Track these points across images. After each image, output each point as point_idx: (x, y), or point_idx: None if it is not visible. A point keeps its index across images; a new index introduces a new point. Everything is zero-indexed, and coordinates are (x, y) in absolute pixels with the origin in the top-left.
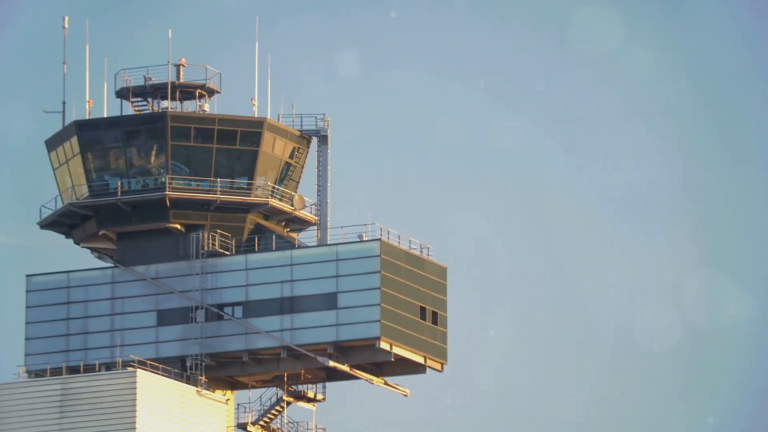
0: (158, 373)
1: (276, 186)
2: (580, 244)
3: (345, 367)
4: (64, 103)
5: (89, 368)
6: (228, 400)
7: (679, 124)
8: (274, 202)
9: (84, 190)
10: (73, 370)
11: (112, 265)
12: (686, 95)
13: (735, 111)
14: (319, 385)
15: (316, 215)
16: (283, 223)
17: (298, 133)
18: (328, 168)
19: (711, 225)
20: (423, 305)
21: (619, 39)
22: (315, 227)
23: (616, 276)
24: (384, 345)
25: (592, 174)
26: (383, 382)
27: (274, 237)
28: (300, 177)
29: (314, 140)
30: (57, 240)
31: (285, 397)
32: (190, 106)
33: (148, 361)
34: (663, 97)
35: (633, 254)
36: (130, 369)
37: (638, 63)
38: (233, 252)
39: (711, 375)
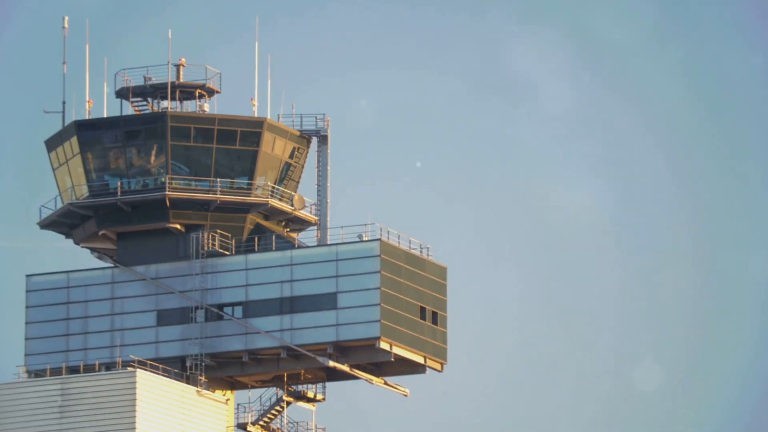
0: (158, 373)
1: (276, 186)
2: (582, 244)
3: (345, 367)
4: (64, 103)
5: (89, 368)
6: (228, 400)
7: (680, 123)
8: (274, 202)
9: (84, 190)
10: (73, 370)
11: (112, 265)
12: (688, 95)
13: (736, 111)
14: (319, 385)
15: (316, 215)
16: (283, 223)
17: (298, 133)
18: (328, 168)
19: (712, 225)
20: (423, 305)
21: (622, 39)
22: (315, 227)
23: (618, 276)
24: (384, 345)
25: (594, 173)
26: (383, 382)
27: (274, 237)
28: (300, 177)
29: (314, 140)
30: (57, 240)
31: (285, 397)
32: (190, 106)
33: (148, 361)
34: (665, 97)
35: (634, 254)
36: (130, 369)
37: (641, 63)
38: (233, 252)
39: (714, 378)
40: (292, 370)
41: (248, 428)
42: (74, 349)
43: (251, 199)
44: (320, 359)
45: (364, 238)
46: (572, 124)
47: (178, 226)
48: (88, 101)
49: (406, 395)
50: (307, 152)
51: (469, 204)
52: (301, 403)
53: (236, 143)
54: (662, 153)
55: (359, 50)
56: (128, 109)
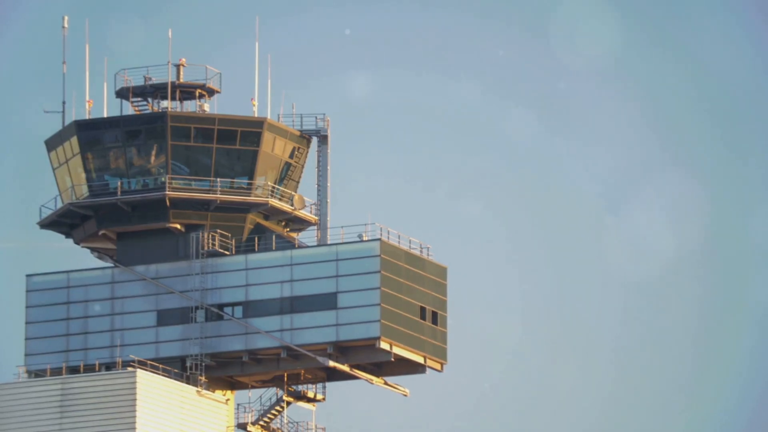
0: (158, 373)
1: (276, 186)
2: (582, 243)
3: (345, 367)
4: (64, 103)
5: (89, 368)
6: (228, 400)
7: (681, 122)
8: (274, 202)
9: (84, 190)
10: (73, 370)
11: (112, 265)
12: (688, 94)
13: (736, 110)
14: (319, 385)
15: (316, 215)
16: (283, 223)
17: (298, 133)
18: (328, 168)
19: (714, 224)
20: (423, 305)
21: (623, 39)
22: (315, 227)
23: (619, 275)
24: (384, 345)
25: (595, 173)
26: (383, 382)
27: (274, 237)
28: (300, 177)
29: (314, 140)
30: (57, 240)
31: (285, 397)
32: (190, 106)
33: (148, 361)
34: (665, 96)
35: (635, 253)
36: (130, 369)
37: (641, 63)
38: (233, 252)
39: (716, 374)
40: (292, 370)
41: (248, 428)
42: (74, 349)
43: (251, 199)
44: (320, 359)
45: (364, 238)
46: (573, 124)
47: (178, 226)
48: (88, 101)
49: (406, 395)
50: (307, 152)
51: (470, 204)
52: (301, 403)
53: (236, 143)
54: (664, 153)
55: (359, 50)
56: (128, 109)
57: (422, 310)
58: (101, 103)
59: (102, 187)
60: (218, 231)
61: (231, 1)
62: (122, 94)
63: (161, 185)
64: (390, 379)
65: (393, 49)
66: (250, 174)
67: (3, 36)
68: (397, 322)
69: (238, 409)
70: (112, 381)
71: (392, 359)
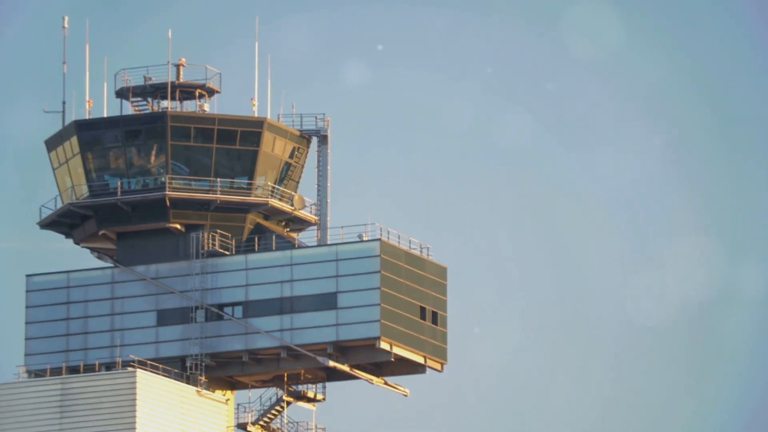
0: (158, 373)
1: (276, 186)
2: (582, 243)
3: (345, 367)
4: (64, 103)
5: (89, 368)
6: (228, 400)
7: (681, 122)
8: (274, 202)
9: (84, 190)
10: (73, 370)
11: (112, 265)
12: (688, 93)
13: (736, 109)
14: (319, 385)
15: (316, 215)
16: (283, 223)
17: (298, 133)
18: (328, 168)
19: (713, 223)
20: (423, 305)
21: (622, 38)
22: (315, 227)
23: (620, 276)
24: (384, 345)
25: (595, 172)
26: (383, 382)
27: (274, 237)
28: (300, 177)
29: (314, 140)
30: (57, 240)
31: (285, 397)
32: (190, 106)
33: (148, 361)
34: (665, 95)
35: (636, 253)
36: (130, 369)
37: (640, 61)
38: (233, 252)
39: (718, 370)
40: (292, 370)
41: (248, 428)
42: (74, 349)
43: (251, 199)
44: (320, 359)
45: (364, 238)
46: (574, 123)
47: (178, 226)
48: (88, 101)
49: (406, 395)
50: (307, 152)
51: (469, 204)
52: (301, 403)
53: (236, 143)
54: (665, 153)
55: (359, 50)
56: (128, 109)
57: (422, 310)
58: (101, 103)
59: (102, 187)
60: (218, 231)
61: (231, 1)
62: (122, 94)
63: (161, 185)
64: (390, 379)
65: (393, 49)
66: (250, 174)
67: (3, 36)
68: (397, 322)
69: (238, 409)
70: (112, 381)
71: (392, 359)
